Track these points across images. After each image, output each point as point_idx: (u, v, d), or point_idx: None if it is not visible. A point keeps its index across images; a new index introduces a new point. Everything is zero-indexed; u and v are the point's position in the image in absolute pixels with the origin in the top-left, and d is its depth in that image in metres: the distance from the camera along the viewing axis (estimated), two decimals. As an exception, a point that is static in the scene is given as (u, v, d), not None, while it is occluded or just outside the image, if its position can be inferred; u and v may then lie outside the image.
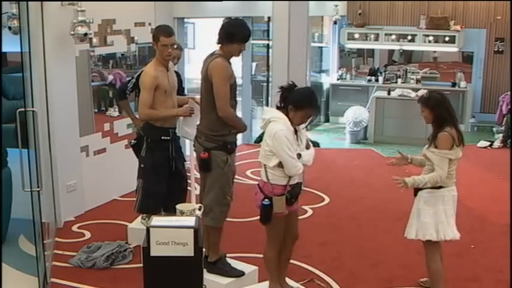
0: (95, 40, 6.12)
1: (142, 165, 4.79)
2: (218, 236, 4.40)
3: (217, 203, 4.27)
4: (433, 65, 11.44)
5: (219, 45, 4.22)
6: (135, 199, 4.95)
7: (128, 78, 5.50)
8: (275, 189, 3.86)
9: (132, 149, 4.93)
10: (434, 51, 11.52)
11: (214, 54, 4.22)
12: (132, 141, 4.95)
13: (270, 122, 3.85)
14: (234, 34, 4.15)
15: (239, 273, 4.33)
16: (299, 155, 3.85)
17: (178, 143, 4.96)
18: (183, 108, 4.73)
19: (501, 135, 9.46)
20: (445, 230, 4.19)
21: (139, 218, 5.43)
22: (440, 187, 4.15)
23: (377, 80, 11.22)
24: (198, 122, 4.39)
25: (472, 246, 5.39)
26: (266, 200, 3.84)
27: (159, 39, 4.57)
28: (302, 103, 3.83)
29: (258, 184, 4.00)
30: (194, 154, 4.64)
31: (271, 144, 3.79)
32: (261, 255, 4.44)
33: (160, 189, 4.79)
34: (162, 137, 4.69)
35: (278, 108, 3.92)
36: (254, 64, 9.93)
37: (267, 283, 4.22)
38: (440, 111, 4.10)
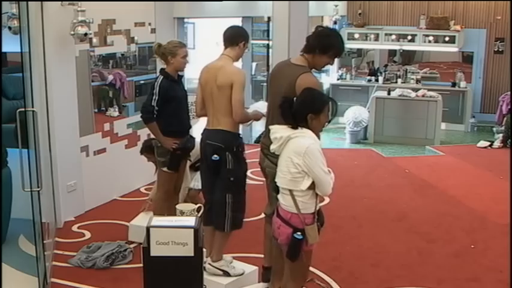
0: (95, 40, 6.11)
1: (232, 179, 4.29)
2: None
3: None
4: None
5: (307, 54, 3.89)
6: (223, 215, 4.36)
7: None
8: (306, 219, 3.40)
9: (214, 165, 4.30)
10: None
11: (298, 67, 3.86)
12: (215, 156, 4.26)
13: (290, 138, 3.38)
14: (329, 47, 3.84)
15: None
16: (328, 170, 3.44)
17: None
18: (257, 112, 4.50)
19: (501, 135, 9.45)
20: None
21: (140, 216, 5.43)
22: None
23: (377, 80, 11.22)
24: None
25: (472, 246, 5.39)
26: (298, 233, 3.36)
27: (248, 40, 4.43)
28: (322, 106, 3.44)
29: (279, 217, 3.49)
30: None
31: (303, 163, 3.31)
32: (261, 255, 4.44)
33: (245, 200, 4.46)
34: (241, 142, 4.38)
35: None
36: (254, 64, 9.93)
37: (266, 283, 4.21)
38: None
